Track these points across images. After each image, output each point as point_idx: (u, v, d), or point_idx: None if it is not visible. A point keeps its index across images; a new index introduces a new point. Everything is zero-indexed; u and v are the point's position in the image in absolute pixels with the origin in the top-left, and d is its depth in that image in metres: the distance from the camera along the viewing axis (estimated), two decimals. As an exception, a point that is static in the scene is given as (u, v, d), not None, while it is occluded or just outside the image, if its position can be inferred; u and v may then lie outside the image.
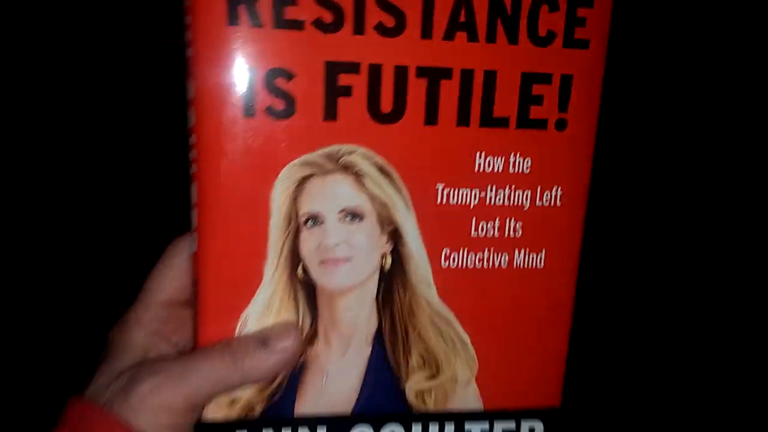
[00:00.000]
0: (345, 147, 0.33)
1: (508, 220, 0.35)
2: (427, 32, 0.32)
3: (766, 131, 1.44)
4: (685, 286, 1.47)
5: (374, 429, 0.37)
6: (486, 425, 0.38)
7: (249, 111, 0.31)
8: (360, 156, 0.33)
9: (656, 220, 1.49)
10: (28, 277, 1.13)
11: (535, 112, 0.34)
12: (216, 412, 0.35)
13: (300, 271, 0.34)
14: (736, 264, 1.49)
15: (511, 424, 0.39)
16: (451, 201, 0.34)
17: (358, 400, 0.36)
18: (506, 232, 0.35)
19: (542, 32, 0.33)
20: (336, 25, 0.31)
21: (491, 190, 0.34)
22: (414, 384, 0.37)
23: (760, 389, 1.35)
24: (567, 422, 0.39)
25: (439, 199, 0.34)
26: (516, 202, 0.35)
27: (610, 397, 1.31)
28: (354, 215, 0.34)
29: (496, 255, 0.35)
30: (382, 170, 0.33)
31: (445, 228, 0.35)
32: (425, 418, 0.37)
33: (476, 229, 0.35)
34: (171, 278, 0.36)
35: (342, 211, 0.34)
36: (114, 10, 1.16)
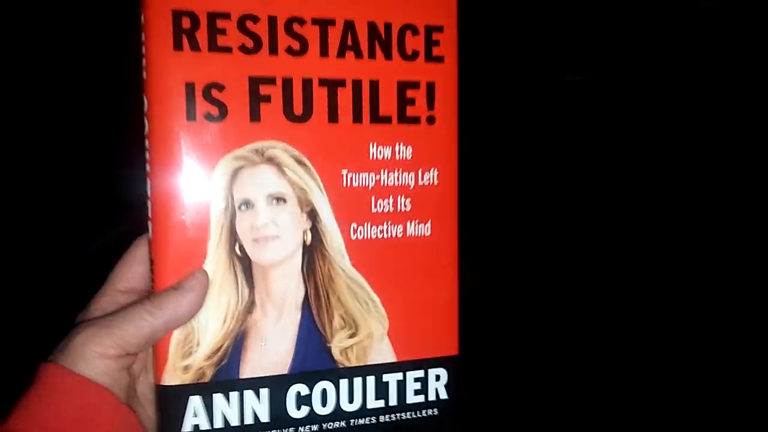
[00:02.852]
0: (268, 143, 0.44)
1: (399, 197, 0.48)
2: (324, 52, 0.45)
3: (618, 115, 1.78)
4: (559, 243, 1.75)
5: (309, 387, 0.47)
6: (400, 375, 0.49)
7: (191, 116, 0.42)
8: (280, 150, 0.45)
9: (526, 192, 1.78)
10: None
11: (410, 110, 0.47)
12: (172, 378, 0.43)
13: (237, 248, 0.44)
14: (605, 209, 1.79)
15: (420, 373, 0.49)
16: (354, 183, 0.46)
17: (293, 360, 0.46)
18: (398, 208, 0.48)
19: (409, 51, 0.47)
20: (256, 49, 0.44)
21: (384, 173, 0.47)
22: (338, 342, 0.47)
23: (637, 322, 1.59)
24: (466, 369, 0.50)
25: (344, 183, 0.46)
26: (403, 183, 0.48)
27: (504, 346, 1.54)
28: (278, 199, 0.45)
29: (392, 227, 0.48)
30: (298, 161, 0.45)
31: (351, 206, 0.47)
32: (350, 374, 0.47)
33: (375, 206, 0.47)
34: (130, 269, 0.45)
35: (269, 195, 0.45)
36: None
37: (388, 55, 0.47)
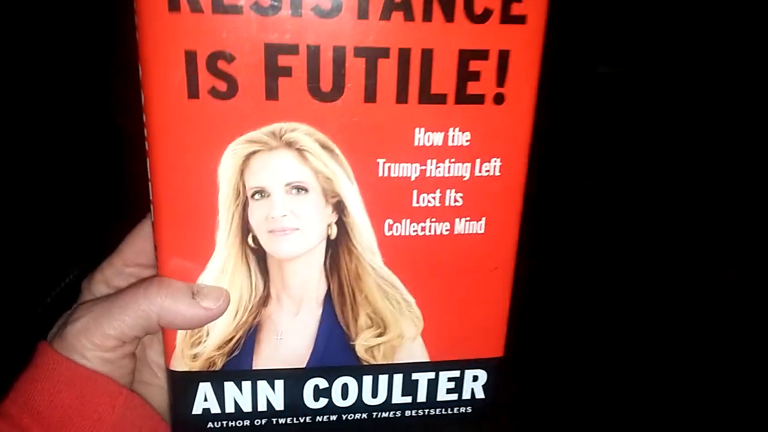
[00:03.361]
0: (287, 125, 0.37)
1: (448, 191, 0.39)
2: (363, 13, 0.35)
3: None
4: (619, 249, 1.62)
5: (328, 381, 0.43)
6: (432, 375, 0.44)
7: (193, 93, 0.35)
8: (302, 133, 0.37)
9: (598, 186, 1.65)
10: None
11: (472, 87, 0.37)
12: (181, 365, 0.41)
13: (250, 240, 0.39)
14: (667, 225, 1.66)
15: (456, 373, 0.44)
16: (392, 174, 0.38)
17: (312, 355, 0.42)
18: (447, 202, 0.40)
19: (478, 9, 0.36)
20: (273, 9, 0.34)
21: (431, 163, 0.39)
22: (363, 341, 0.42)
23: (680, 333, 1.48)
24: (509, 370, 0.45)
25: (380, 173, 0.38)
26: (456, 174, 0.39)
27: (554, 345, 1.47)
28: (299, 188, 0.38)
29: (437, 224, 0.40)
30: (323, 146, 0.37)
31: (387, 199, 0.39)
32: (375, 371, 0.43)
33: (418, 200, 0.39)
34: (137, 244, 0.42)
35: (288, 184, 0.38)
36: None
37: (449, 17, 0.36)
